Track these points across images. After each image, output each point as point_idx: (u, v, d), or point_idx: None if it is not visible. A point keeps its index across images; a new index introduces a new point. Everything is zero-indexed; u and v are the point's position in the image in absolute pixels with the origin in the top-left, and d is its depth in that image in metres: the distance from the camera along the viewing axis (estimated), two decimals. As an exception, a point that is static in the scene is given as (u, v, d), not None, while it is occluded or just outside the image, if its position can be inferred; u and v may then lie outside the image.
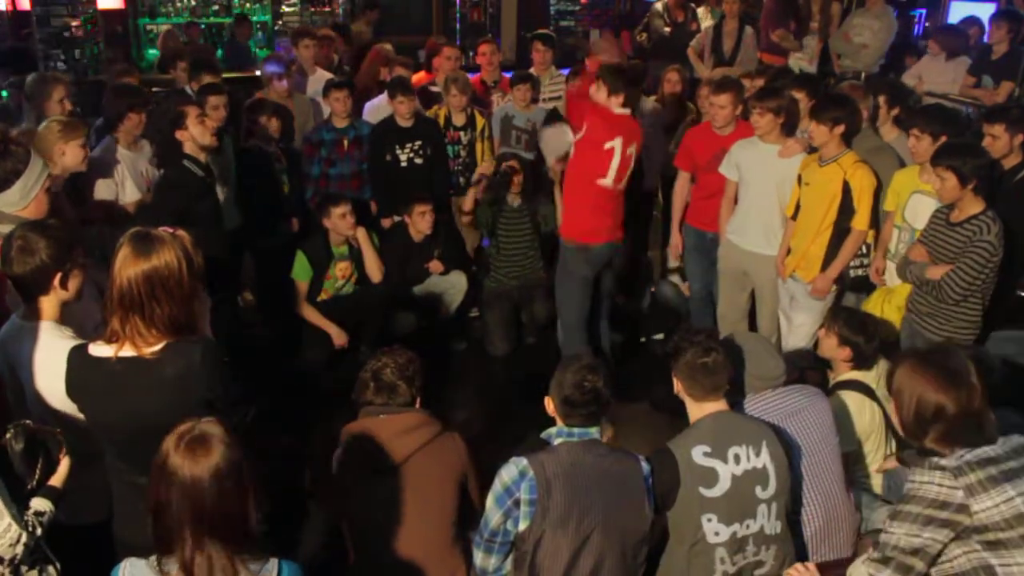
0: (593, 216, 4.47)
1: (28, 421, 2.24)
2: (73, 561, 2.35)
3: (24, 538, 2.10)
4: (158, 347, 2.23)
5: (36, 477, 2.21)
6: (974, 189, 3.53)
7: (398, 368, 2.80)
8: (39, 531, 2.16)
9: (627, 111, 4.45)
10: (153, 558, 1.83)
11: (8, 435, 2.16)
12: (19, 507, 2.11)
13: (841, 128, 4.05)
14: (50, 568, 2.27)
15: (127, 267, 2.21)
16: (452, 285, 5.40)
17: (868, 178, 4.07)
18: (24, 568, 2.17)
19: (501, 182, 5.20)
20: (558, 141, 5.26)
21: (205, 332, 2.48)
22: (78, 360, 2.32)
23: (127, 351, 2.23)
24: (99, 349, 2.27)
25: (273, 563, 1.84)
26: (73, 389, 2.34)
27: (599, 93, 4.38)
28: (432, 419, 2.80)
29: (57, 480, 2.24)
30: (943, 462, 2.18)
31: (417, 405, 2.83)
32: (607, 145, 4.32)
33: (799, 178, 4.30)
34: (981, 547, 2.17)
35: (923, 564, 2.22)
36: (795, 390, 3.09)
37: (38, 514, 2.17)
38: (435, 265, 5.34)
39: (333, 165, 5.51)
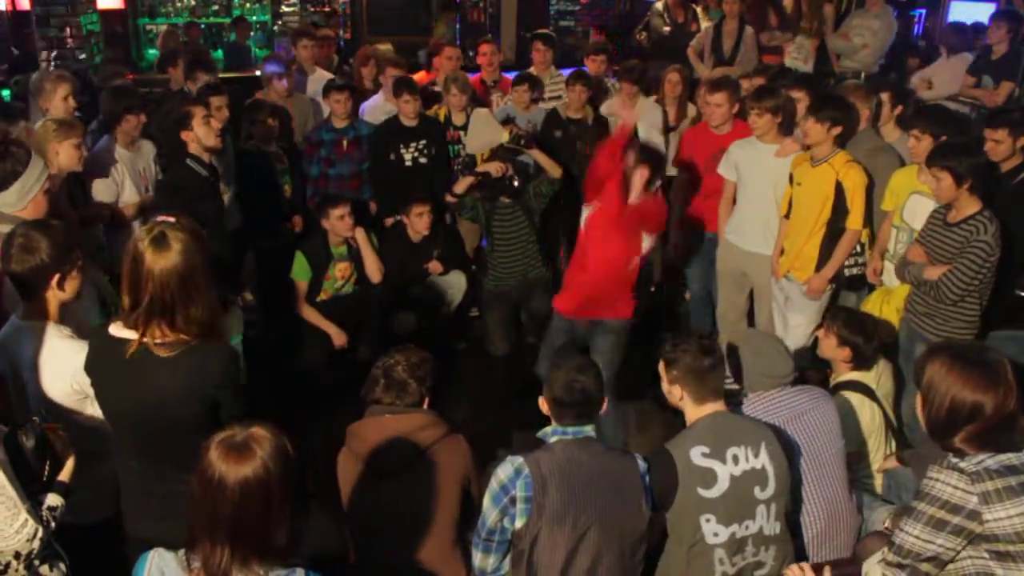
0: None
1: (36, 418, 2.26)
2: (76, 559, 2.37)
3: (40, 533, 2.12)
4: (177, 342, 2.25)
5: (46, 473, 2.22)
6: (970, 189, 3.54)
7: (410, 367, 2.80)
8: (53, 525, 2.18)
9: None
10: (182, 552, 1.82)
11: (20, 432, 2.17)
12: (32, 503, 2.13)
13: (838, 130, 4.06)
14: (60, 564, 2.29)
15: (159, 267, 2.21)
16: (452, 285, 5.40)
17: (860, 177, 4.08)
18: (36, 563, 2.18)
19: (500, 188, 5.18)
20: (488, 135, 5.27)
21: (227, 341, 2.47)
22: (99, 339, 2.35)
23: (146, 340, 2.25)
24: (120, 331, 2.29)
25: (300, 574, 1.81)
26: (91, 365, 2.37)
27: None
28: (439, 420, 2.79)
29: (65, 475, 2.26)
30: (962, 464, 2.12)
31: (425, 406, 2.82)
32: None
33: (791, 177, 4.31)
34: (989, 556, 2.13)
35: (937, 570, 2.20)
36: (802, 391, 3.08)
37: (51, 509, 2.19)
38: (434, 265, 5.34)
39: (332, 165, 5.51)
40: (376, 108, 5.87)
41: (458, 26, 10.47)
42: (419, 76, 6.63)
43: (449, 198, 5.36)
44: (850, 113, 4.17)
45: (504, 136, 5.23)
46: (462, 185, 5.27)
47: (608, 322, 4.18)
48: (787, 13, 7.45)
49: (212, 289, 2.30)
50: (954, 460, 2.14)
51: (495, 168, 5.18)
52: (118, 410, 2.36)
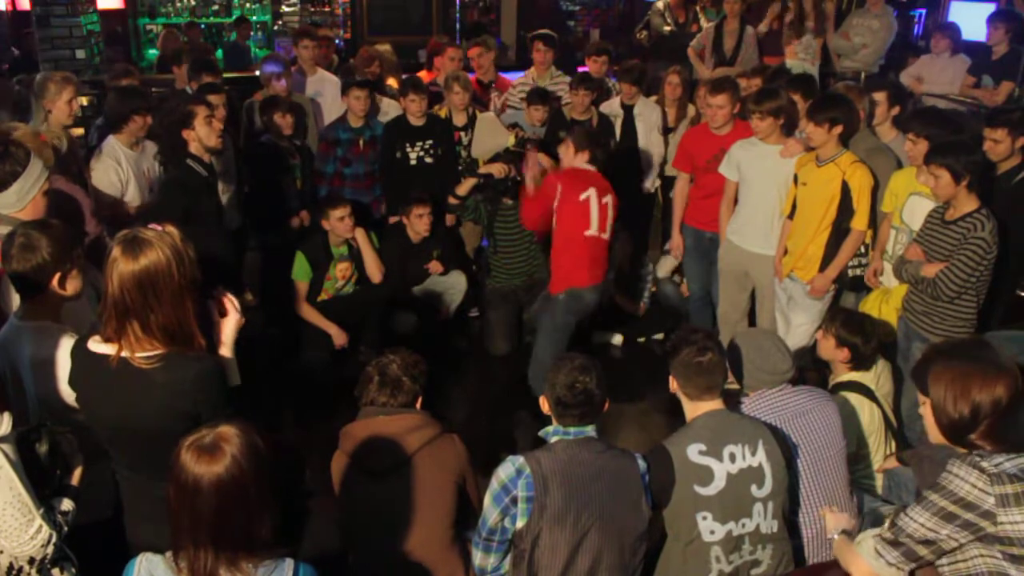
0: (590, 266, 4.44)
1: (48, 423, 2.26)
2: (77, 560, 2.37)
3: (54, 538, 2.13)
4: (154, 355, 2.22)
5: (57, 477, 2.23)
6: (968, 186, 3.54)
7: (404, 366, 2.81)
8: (66, 529, 2.19)
9: (592, 167, 4.45)
10: (169, 553, 1.83)
11: (33, 437, 2.18)
12: (45, 508, 2.13)
13: (839, 128, 4.05)
14: (71, 567, 2.30)
15: (117, 272, 2.19)
16: (452, 285, 5.41)
17: (867, 178, 4.08)
18: (49, 566, 2.19)
19: (503, 189, 5.18)
20: (493, 139, 5.26)
21: (218, 345, 2.44)
22: (79, 354, 2.33)
23: (124, 353, 2.23)
24: (98, 346, 2.28)
25: (288, 564, 1.82)
26: (73, 380, 2.37)
27: (567, 151, 4.50)
28: (431, 420, 2.80)
29: (74, 479, 2.28)
30: (983, 463, 2.10)
31: (418, 406, 2.83)
32: (582, 196, 4.33)
33: (795, 178, 4.31)
34: (1002, 557, 2.12)
35: (933, 556, 2.19)
36: (803, 391, 3.08)
37: (64, 513, 2.20)
38: (435, 266, 5.35)
39: (348, 164, 5.52)
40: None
41: (457, 27, 10.48)
42: (420, 75, 6.64)
43: (452, 200, 5.36)
44: (850, 109, 4.17)
45: (510, 140, 5.23)
46: (464, 187, 5.28)
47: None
48: (791, 13, 7.42)
49: (187, 301, 2.25)
50: (976, 458, 2.13)
51: (497, 170, 5.18)
52: (102, 423, 2.35)
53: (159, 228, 2.28)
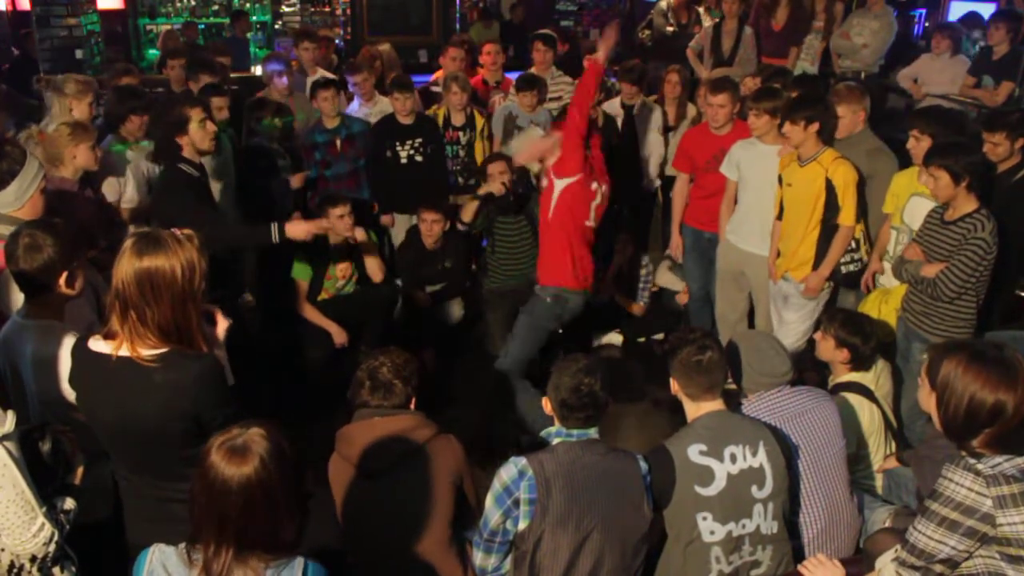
0: (579, 263, 4.29)
1: (50, 421, 2.27)
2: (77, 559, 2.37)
3: (56, 536, 2.14)
4: (155, 353, 2.22)
5: (59, 476, 2.23)
6: (968, 187, 3.54)
7: (394, 367, 2.79)
8: (67, 528, 2.19)
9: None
10: (183, 546, 1.83)
11: (36, 436, 2.18)
12: (47, 506, 2.14)
13: (815, 127, 4.06)
14: (71, 566, 2.30)
15: (123, 266, 2.20)
16: (449, 312, 5.42)
17: (850, 173, 4.08)
18: (49, 565, 2.19)
19: (504, 205, 5.17)
20: (528, 143, 5.24)
21: (213, 349, 2.44)
22: (79, 353, 2.33)
23: (124, 351, 2.23)
24: (98, 344, 2.28)
25: (299, 563, 1.82)
26: (73, 380, 2.37)
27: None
28: (427, 421, 2.78)
29: (76, 478, 2.28)
30: (979, 465, 2.09)
31: (411, 406, 2.82)
32: (593, 185, 4.26)
33: (780, 179, 4.31)
34: (1000, 557, 2.12)
35: (950, 570, 2.19)
36: (802, 391, 3.08)
37: (66, 512, 2.21)
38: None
39: (329, 166, 5.50)
40: (354, 113, 5.88)
41: (457, 26, 10.46)
42: (439, 75, 6.64)
43: (460, 226, 5.37)
44: (826, 108, 4.18)
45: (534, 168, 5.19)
46: (468, 212, 5.27)
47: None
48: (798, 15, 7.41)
49: (189, 307, 2.25)
50: (971, 461, 2.11)
51: (497, 189, 5.18)
52: (102, 424, 2.35)
53: (179, 233, 2.27)
